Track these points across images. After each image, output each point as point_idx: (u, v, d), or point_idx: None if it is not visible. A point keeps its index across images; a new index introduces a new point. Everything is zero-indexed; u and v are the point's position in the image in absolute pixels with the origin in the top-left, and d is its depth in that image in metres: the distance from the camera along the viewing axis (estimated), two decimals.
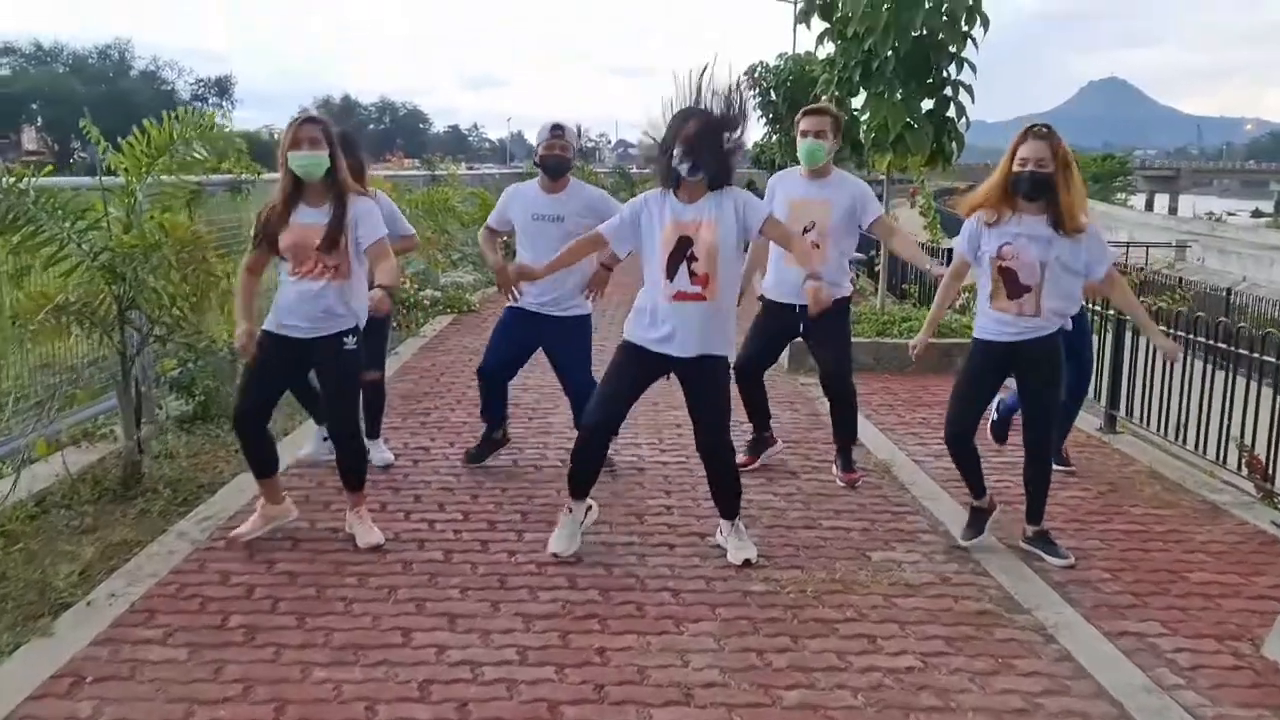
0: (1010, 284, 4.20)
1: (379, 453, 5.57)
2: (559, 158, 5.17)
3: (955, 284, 4.66)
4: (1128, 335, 6.46)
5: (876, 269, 12.72)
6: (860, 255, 13.87)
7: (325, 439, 5.32)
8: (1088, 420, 6.68)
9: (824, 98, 8.88)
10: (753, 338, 5.46)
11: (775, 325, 5.39)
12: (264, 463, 4.39)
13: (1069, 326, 4.38)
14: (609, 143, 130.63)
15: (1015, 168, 4.10)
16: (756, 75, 23.53)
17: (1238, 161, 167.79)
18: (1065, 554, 4.36)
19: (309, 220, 4.14)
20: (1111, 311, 6.59)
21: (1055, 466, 5.56)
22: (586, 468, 4.30)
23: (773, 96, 23.31)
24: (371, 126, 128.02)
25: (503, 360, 5.43)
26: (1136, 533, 4.75)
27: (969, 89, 8.20)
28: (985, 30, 8.08)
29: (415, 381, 7.65)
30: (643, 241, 4.17)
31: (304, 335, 4.23)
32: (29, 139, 75.28)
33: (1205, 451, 5.79)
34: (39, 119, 79.63)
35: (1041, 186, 4.07)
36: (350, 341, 4.29)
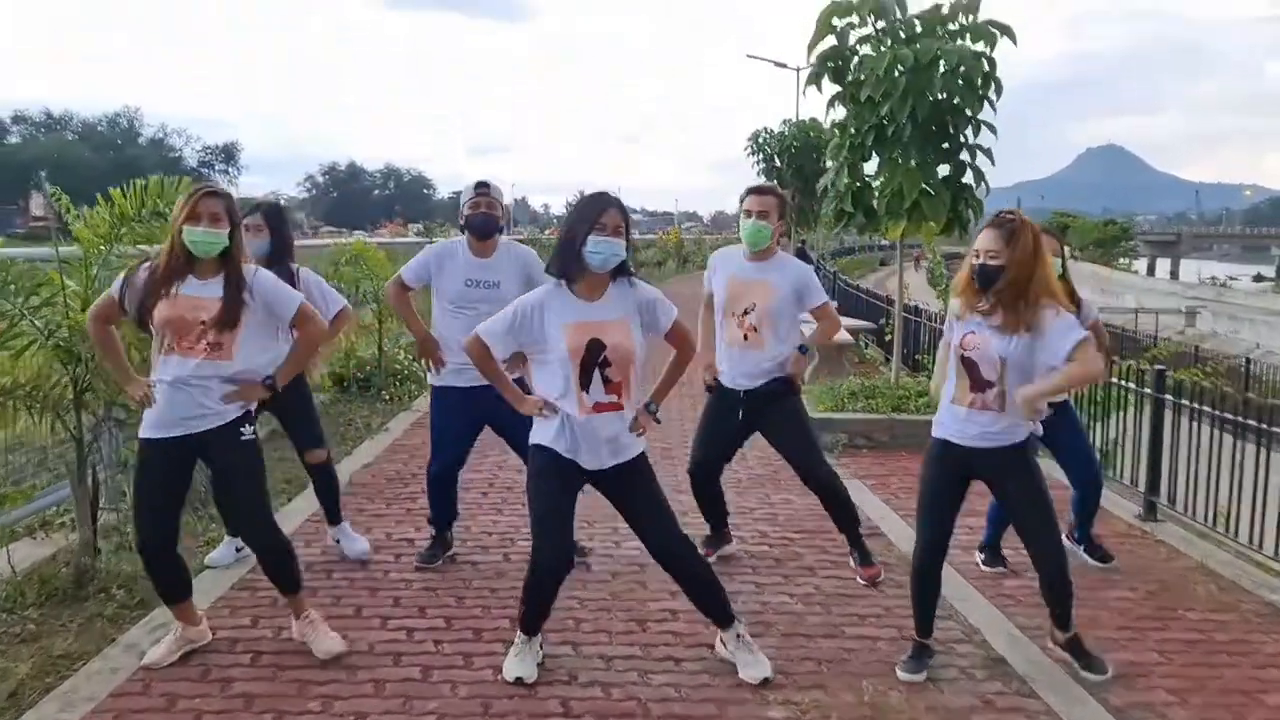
0: (973, 376, 3.80)
1: (351, 543, 5.13)
2: (486, 216, 4.74)
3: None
4: (1167, 414, 6.01)
5: (888, 339, 12.34)
6: (869, 324, 13.50)
7: (240, 549, 4.88)
8: (1125, 507, 6.21)
9: (832, 162, 8.56)
10: (703, 432, 5.05)
11: (724, 415, 4.96)
12: (172, 587, 3.91)
13: (1038, 431, 3.92)
14: None
15: (972, 259, 3.77)
16: (760, 141, 23.44)
17: (1237, 226, 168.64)
18: (1103, 666, 3.88)
19: (195, 293, 3.66)
20: (1148, 390, 6.13)
21: (1091, 560, 5.12)
22: (542, 608, 3.80)
23: (777, 163, 23.21)
24: (376, 192, 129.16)
25: (452, 456, 4.98)
26: (1198, 643, 4.26)
27: (988, 153, 7.87)
28: (999, 94, 7.78)
29: (404, 462, 7.19)
30: (537, 344, 3.67)
31: (191, 430, 3.71)
32: (36, 205, 75.85)
33: (1260, 544, 5.30)
34: (46, 185, 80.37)
35: (990, 280, 3.70)
36: (248, 430, 3.82)
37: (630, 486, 3.78)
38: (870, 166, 8.23)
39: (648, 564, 4.99)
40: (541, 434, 3.72)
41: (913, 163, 7.69)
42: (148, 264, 3.77)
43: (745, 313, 4.80)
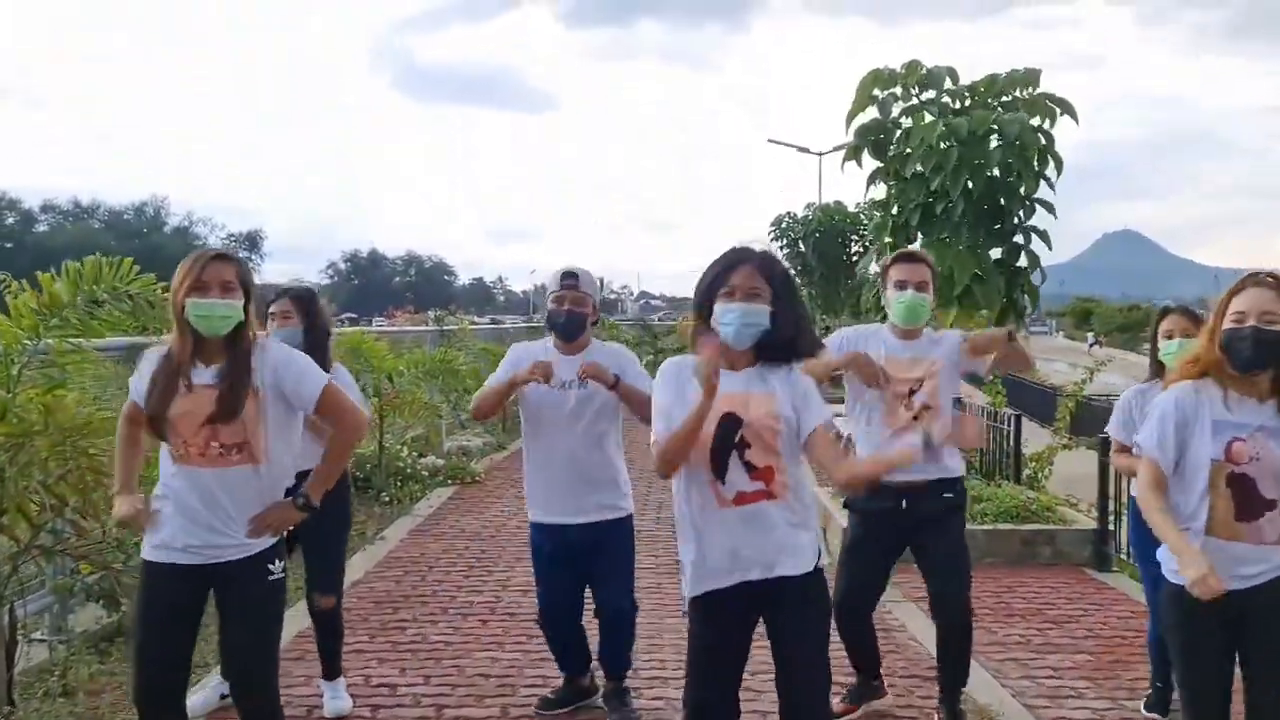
0: (1247, 498, 2.81)
1: (334, 700, 4.28)
2: (572, 314, 3.95)
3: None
4: None
5: None
6: None
7: (225, 695, 4.04)
8: None
9: (873, 246, 7.87)
10: (854, 556, 4.18)
11: (883, 530, 4.10)
12: None
13: None
14: (631, 294, 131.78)
15: (1229, 323, 2.80)
16: (784, 226, 22.98)
17: None
18: None
19: (197, 380, 2.93)
20: None
21: None
22: None
23: (801, 247, 22.70)
24: (397, 279, 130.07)
25: (556, 598, 4.11)
26: None
27: (1043, 235, 7.16)
28: (1059, 172, 7.10)
29: (398, 579, 6.37)
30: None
31: (203, 560, 2.94)
32: None
33: None
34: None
35: (1274, 353, 2.76)
36: (277, 568, 3.04)
37: (787, 616, 2.86)
38: (915, 248, 7.54)
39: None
40: (688, 580, 2.90)
41: (963, 245, 6.99)
42: (159, 351, 3.03)
43: (911, 392, 3.98)
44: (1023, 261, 7.23)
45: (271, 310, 4.07)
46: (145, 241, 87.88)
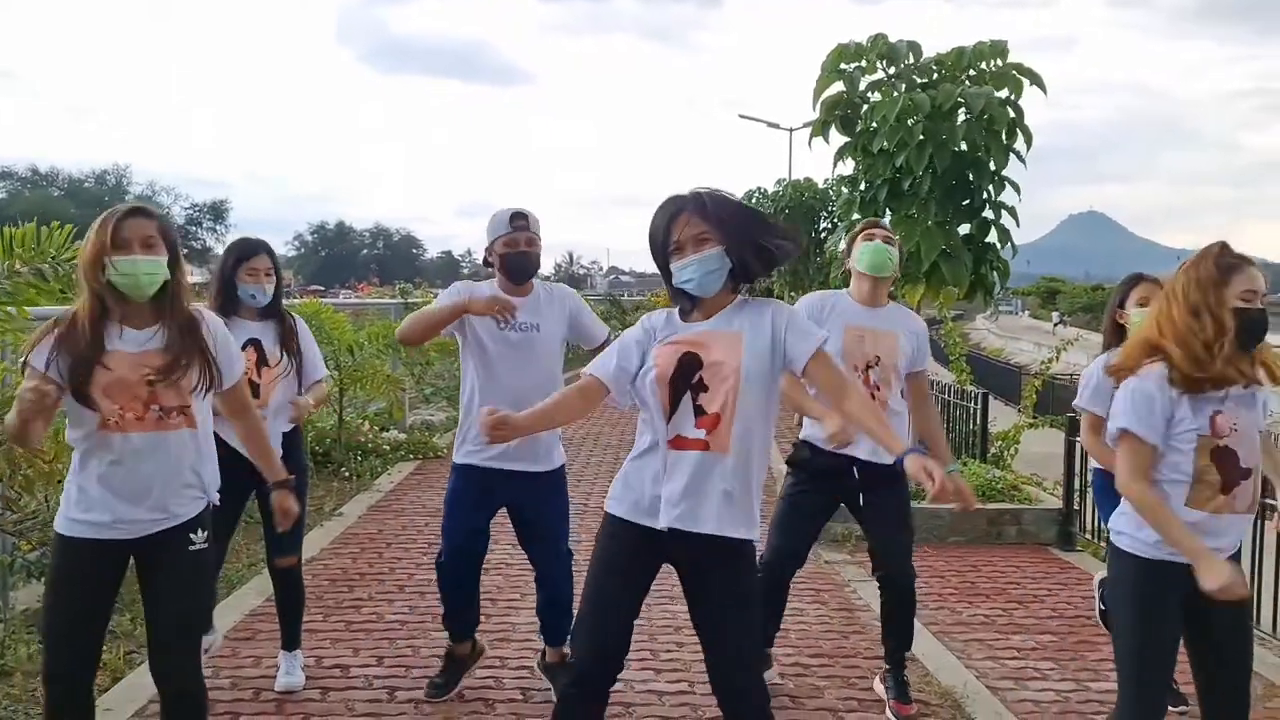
0: (1230, 470, 2.78)
1: (286, 675, 4.15)
2: (526, 255, 3.86)
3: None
4: None
5: None
6: None
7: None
8: None
9: (842, 223, 7.77)
10: (790, 516, 4.12)
11: (820, 489, 4.07)
12: None
13: None
14: (601, 270, 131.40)
15: (1235, 303, 2.75)
16: (754, 201, 22.85)
17: None
18: None
19: (136, 347, 2.76)
20: None
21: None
22: None
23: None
24: (364, 252, 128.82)
25: (465, 543, 3.96)
26: None
27: (1012, 211, 7.08)
28: (1029, 146, 7.02)
29: (354, 557, 6.23)
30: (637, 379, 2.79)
31: (127, 535, 2.79)
32: None
33: None
34: None
35: (1262, 331, 2.79)
36: (199, 538, 2.89)
37: (721, 583, 2.77)
38: None
39: (634, 703, 4.08)
40: (613, 496, 2.86)
41: (931, 221, 6.89)
42: (55, 328, 2.79)
43: (869, 367, 3.95)
44: (992, 237, 7.14)
45: (251, 265, 3.94)
46: (106, 210, 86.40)
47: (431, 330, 3.90)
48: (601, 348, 3.90)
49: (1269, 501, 4.96)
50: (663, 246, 2.72)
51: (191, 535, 2.88)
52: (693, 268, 2.67)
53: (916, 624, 5.11)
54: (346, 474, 8.60)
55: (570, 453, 6.25)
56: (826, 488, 4.08)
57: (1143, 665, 2.85)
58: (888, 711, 4.04)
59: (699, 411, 2.67)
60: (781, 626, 5.05)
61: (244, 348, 3.86)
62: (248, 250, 3.98)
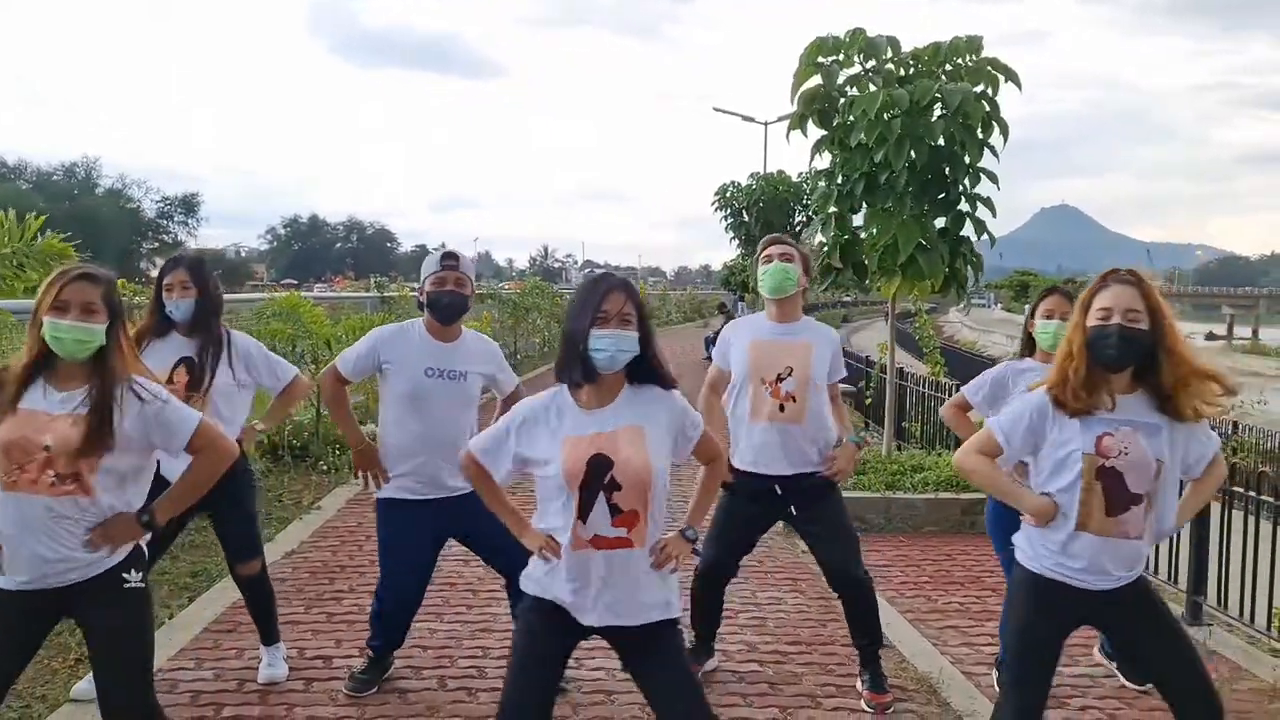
0: (1116, 493, 2.83)
1: (269, 667, 4.18)
2: (455, 295, 3.89)
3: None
4: (1213, 506, 5.23)
5: (867, 402, 11.59)
6: (848, 387, 12.74)
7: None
8: None
9: (818, 217, 7.82)
10: (723, 527, 4.19)
11: (748, 508, 4.14)
12: None
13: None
14: (576, 263, 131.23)
15: (1093, 320, 2.83)
16: (728, 195, 22.92)
17: (1189, 286, 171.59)
18: None
19: (44, 406, 2.73)
20: None
21: (1130, 683, 4.32)
22: None
23: (745, 217, 22.66)
24: (338, 245, 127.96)
25: (409, 585, 4.01)
26: None
27: (988, 203, 7.16)
28: (1005, 140, 7.11)
29: (333, 550, 6.24)
30: (536, 462, 2.82)
31: (50, 586, 2.77)
32: None
33: None
34: None
35: (1136, 350, 2.80)
36: (134, 577, 2.86)
37: (646, 661, 2.83)
38: (858, 219, 7.49)
39: (615, 691, 4.12)
40: (531, 576, 2.87)
41: (907, 214, 6.96)
42: None
43: (779, 379, 4.01)
44: (968, 230, 7.21)
45: (167, 281, 3.89)
46: (76, 203, 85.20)
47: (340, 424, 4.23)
48: (512, 397, 4.00)
49: (1236, 490, 5.09)
50: (589, 311, 2.73)
51: (125, 575, 2.84)
52: (612, 340, 2.71)
53: (893, 611, 5.25)
54: (324, 468, 8.58)
55: None
56: (757, 507, 4.15)
57: (1023, 666, 2.95)
58: (863, 703, 4.11)
59: (615, 510, 2.73)
60: (760, 616, 5.15)
61: (175, 367, 3.87)
62: (167, 265, 3.97)
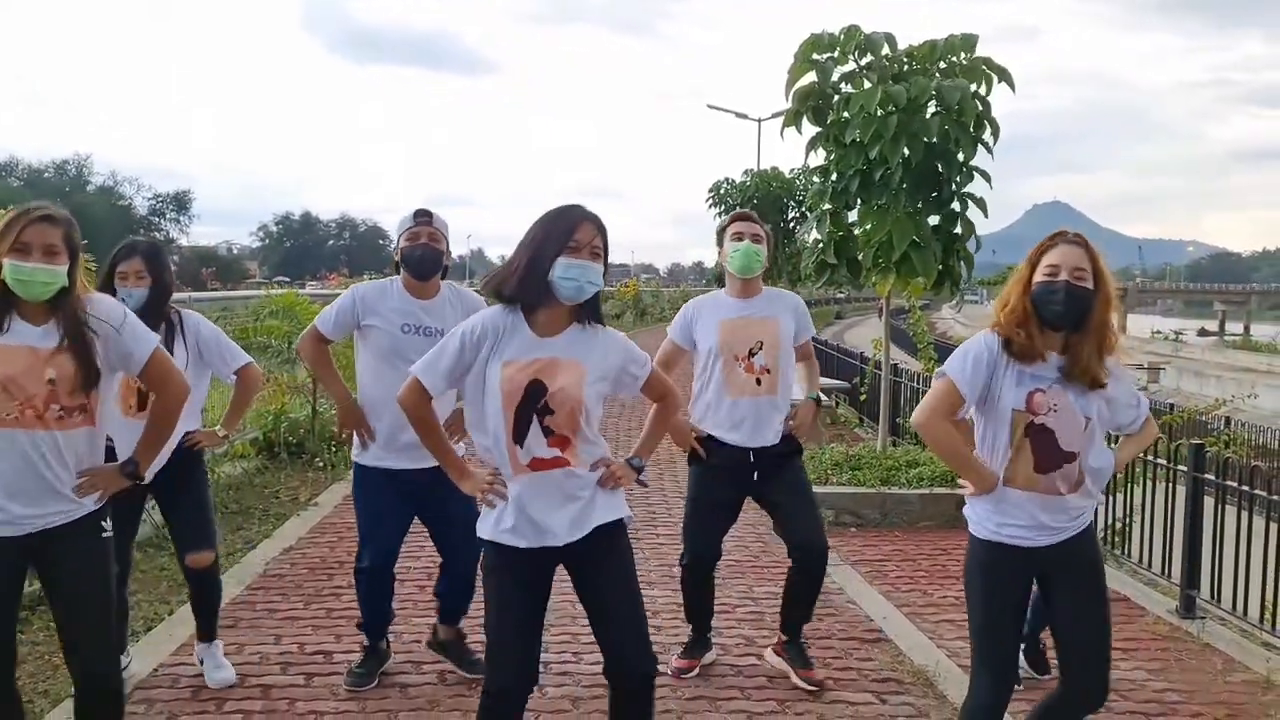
0: (1046, 450, 2.87)
1: (216, 669, 4.10)
2: (428, 248, 3.90)
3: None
4: (1207, 501, 5.28)
5: (862, 399, 11.62)
6: (842, 383, 12.77)
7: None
8: (1156, 600, 5.46)
9: (813, 214, 7.85)
10: (702, 510, 4.24)
11: (724, 485, 4.20)
12: None
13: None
14: None
15: (1042, 276, 2.87)
16: (722, 192, 22.96)
17: (1181, 282, 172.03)
18: None
19: (26, 341, 2.78)
20: (1183, 467, 5.41)
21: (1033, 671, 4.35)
22: None
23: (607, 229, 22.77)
24: (331, 242, 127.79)
25: (387, 547, 4.08)
26: None
27: (980, 202, 7.20)
28: (996, 138, 7.15)
29: (331, 546, 6.25)
30: (470, 384, 2.87)
31: (27, 530, 2.80)
32: None
33: None
34: None
35: (1080, 310, 2.84)
36: (109, 526, 2.93)
37: (597, 568, 2.92)
38: (853, 214, 7.51)
39: (580, 697, 4.13)
40: (484, 526, 2.90)
41: (901, 211, 6.99)
42: None
43: (751, 354, 4.09)
44: (959, 229, 7.25)
45: (121, 269, 3.82)
46: (68, 201, 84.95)
47: (324, 381, 4.23)
48: None
49: (1229, 484, 5.14)
50: (558, 239, 2.76)
51: (103, 524, 2.92)
52: (580, 271, 2.75)
53: (889, 606, 5.30)
54: (321, 464, 8.59)
55: None
56: (729, 481, 4.19)
57: (988, 638, 3.00)
58: (796, 679, 4.17)
59: (548, 432, 2.80)
60: (758, 610, 5.19)
61: None
62: (121, 252, 3.88)
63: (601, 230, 2.82)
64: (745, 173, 23.51)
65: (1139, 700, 4.17)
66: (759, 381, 4.11)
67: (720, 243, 4.29)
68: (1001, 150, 7.25)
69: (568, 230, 2.76)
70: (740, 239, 4.16)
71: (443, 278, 4.04)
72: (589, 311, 2.87)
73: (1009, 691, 3.00)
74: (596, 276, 2.78)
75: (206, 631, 4.15)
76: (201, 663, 4.14)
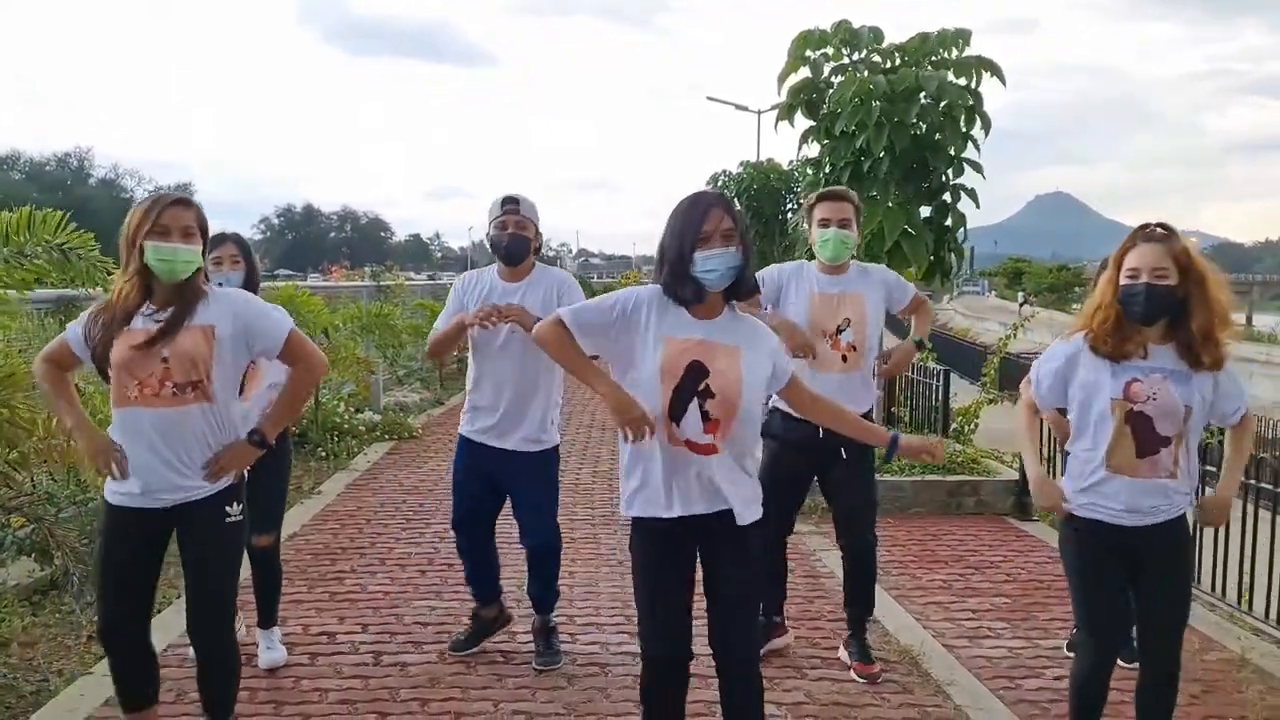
0: (1144, 435, 3.02)
1: (268, 651, 4.26)
2: (515, 237, 4.05)
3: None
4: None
5: None
6: None
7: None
8: None
9: (805, 202, 7.97)
10: (771, 487, 4.30)
11: (797, 460, 4.24)
12: (141, 688, 3.15)
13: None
14: (570, 252, 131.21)
15: (1124, 279, 3.01)
16: (720, 183, 22.98)
17: None
18: None
19: (142, 325, 2.95)
20: None
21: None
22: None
23: (736, 205, 22.75)
24: (332, 235, 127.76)
25: (472, 508, 4.26)
26: None
27: (972, 194, 7.31)
28: (986, 133, 7.26)
29: (335, 532, 6.39)
30: (624, 354, 2.88)
31: (163, 504, 2.98)
32: None
33: None
34: None
35: (1164, 306, 2.98)
36: (235, 511, 3.07)
37: (720, 554, 2.94)
38: None
39: (610, 664, 4.28)
40: (627, 501, 2.96)
41: (892, 202, 7.12)
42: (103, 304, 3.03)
43: (839, 330, 4.16)
44: (950, 220, 7.37)
45: (215, 254, 3.99)
46: (69, 194, 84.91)
47: (450, 346, 4.28)
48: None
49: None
50: (691, 233, 2.79)
51: (227, 509, 3.06)
52: (719, 259, 2.79)
53: (879, 589, 5.39)
54: (323, 454, 8.73)
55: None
56: (802, 457, 4.23)
57: (1090, 609, 3.15)
58: (851, 673, 4.27)
59: (705, 416, 2.82)
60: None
61: None
62: (215, 240, 3.95)
63: (730, 210, 2.84)
64: (742, 164, 23.53)
65: (1115, 678, 4.29)
66: (844, 358, 4.16)
67: (808, 221, 4.32)
68: (1002, 141, 7.38)
69: (699, 221, 2.81)
70: (827, 225, 4.16)
71: (536, 254, 4.19)
72: (739, 292, 2.90)
73: (1112, 656, 3.16)
74: (733, 260, 2.80)
75: (266, 616, 4.27)
76: (256, 644, 4.26)
